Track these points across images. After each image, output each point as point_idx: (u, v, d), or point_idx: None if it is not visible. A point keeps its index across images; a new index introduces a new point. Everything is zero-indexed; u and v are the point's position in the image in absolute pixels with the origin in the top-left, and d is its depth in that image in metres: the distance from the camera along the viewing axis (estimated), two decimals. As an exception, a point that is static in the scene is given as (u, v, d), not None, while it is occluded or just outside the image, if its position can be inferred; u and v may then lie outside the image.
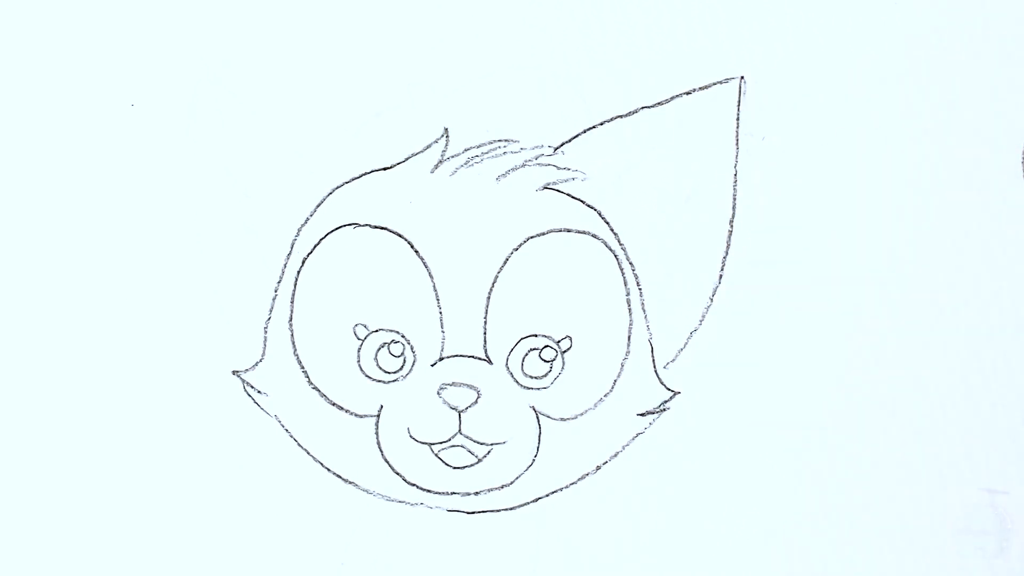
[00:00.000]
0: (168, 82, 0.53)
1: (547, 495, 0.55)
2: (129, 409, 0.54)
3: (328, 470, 0.54)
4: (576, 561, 0.55)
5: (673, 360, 0.54)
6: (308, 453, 0.54)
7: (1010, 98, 0.53)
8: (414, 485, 0.54)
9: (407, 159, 0.54)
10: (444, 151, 0.54)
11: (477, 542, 0.55)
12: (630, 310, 0.54)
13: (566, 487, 0.55)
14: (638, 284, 0.54)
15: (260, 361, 0.54)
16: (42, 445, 0.54)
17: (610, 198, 0.54)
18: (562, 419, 0.54)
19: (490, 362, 0.54)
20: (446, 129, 0.54)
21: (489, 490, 0.54)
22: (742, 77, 0.53)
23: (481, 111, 0.53)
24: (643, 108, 0.53)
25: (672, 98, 0.53)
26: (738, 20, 0.53)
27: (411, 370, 0.54)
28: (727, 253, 0.54)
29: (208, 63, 0.53)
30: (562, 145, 0.54)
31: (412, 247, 0.54)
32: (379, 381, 0.54)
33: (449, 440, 0.54)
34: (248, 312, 0.54)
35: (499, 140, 0.54)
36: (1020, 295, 0.53)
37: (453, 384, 0.54)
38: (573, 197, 0.54)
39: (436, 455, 0.54)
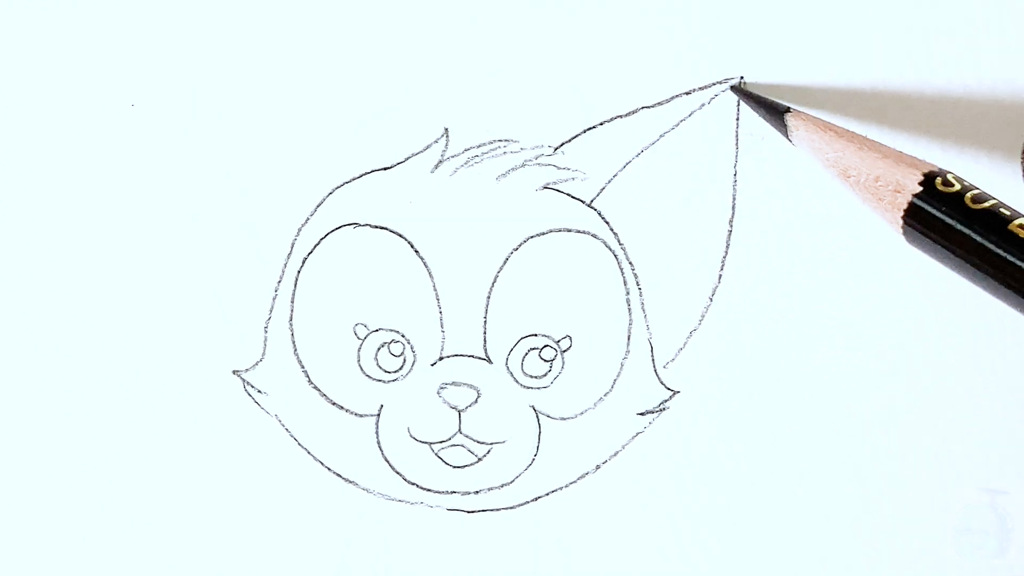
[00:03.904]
0: (168, 82, 0.53)
1: (547, 494, 0.55)
2: (129, 409, 0.54)
3: (328, 470, 0.54)
4: (576, 561, 0.55)
5: (673, 360, 0.54)
6: (308, 453, 0.54)
7: (1010, 98, 0.53)
8: (414, 484, 0.55)
9: (407, 159, 0.54)
10: (444, 151, 0.54)
11: (477, 541, 0.55)
12: (630, 310, 0.54)
13: (566, 486, 0.55)
14: (638, 284, 0.54)
15: (260, 361, 0.54)
16: (42, 444, 0.54)
17: (610, 198, 0.54)
18: (562, 419, 0.54)
19: (490, 362, 0.54)
20: (446, 129, 0.53)
21: (489, 489, 0.55)
22: (742, 77, 0.53)
23: (481, 111, 0.53)
24: (643, 108, 0.53)
25: (672, 98, 0.53)
26: (738, 20, 0.53)
27: (411, 370, 0.54)
28: (727, 253, 0.54)
29: (208, 63, 0.53)
30: (562, 145, 0.54)
31: (412, 247, 0.54)
32: (379, 381, 0.54)
33: (449, 439, 0.54)
34: (248, 312, 0.54)
35: (499, 140, 0.54)
36: (1020, 295, 0.53)
37: (453, 384, 0.54)
38: (573, 197, 0.54)
39: (436, 454, 0.54)
